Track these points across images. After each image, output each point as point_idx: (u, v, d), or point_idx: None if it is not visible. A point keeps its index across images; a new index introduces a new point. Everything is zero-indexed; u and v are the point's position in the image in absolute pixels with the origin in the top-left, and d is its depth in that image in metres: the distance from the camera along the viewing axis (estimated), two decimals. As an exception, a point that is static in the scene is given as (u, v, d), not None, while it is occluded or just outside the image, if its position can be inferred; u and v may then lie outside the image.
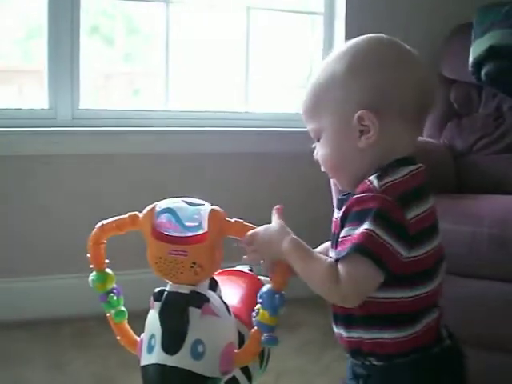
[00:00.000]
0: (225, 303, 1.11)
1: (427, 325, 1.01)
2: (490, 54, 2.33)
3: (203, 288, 1.08)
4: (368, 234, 0.91)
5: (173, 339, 1.03)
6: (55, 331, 2.27)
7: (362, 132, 0.99)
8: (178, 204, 1.08)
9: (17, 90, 2.52)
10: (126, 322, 1.18)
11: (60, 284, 2.41)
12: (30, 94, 2.52)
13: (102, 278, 1.14)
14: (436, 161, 2.34)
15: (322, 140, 1.04)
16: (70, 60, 2.43)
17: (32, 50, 2.51)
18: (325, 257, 0.99)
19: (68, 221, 2.42)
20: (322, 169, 1.09)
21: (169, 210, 1.06)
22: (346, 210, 0.97)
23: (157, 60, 2.63)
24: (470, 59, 2.41)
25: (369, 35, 1.06)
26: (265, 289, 1.04)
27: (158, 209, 1.08)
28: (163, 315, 1.04)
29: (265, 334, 1.06)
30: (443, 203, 1.95)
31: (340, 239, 0.96)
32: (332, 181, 1.32)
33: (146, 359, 1.07)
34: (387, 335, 0.99)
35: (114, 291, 1.16)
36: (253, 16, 2.75)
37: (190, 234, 1.05)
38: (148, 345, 1.07)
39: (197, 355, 1.03)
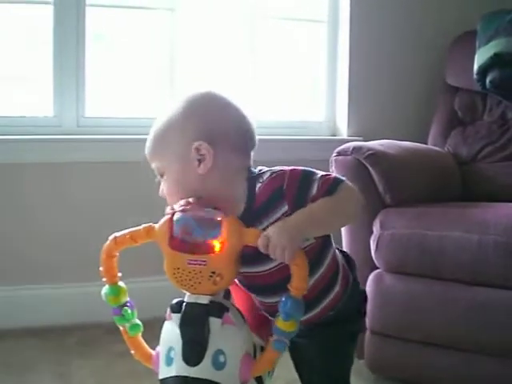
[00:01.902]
0: (240, 312, 1.11)
1: None
2: (495, 61, 2.34)
3: (219, 297, 1.08)
4: (329, 174, 1.14)
5: (194, 350, 1.03)
6: (62, 339, 2.27)
7: (199, 161, 1.14)
8: (195, 212, 1.08)
9: (22, 98, 2.53)
10: (140, 335, 1.17)
11: (67, 292, 2.41)
12: (35, 102, 2.53)
13: (115, 291, 1.13)
14: (441, 168, 2.35)
15: (166, 176, 1.17)
16: (75, 68, 2.44)
17: (37, 58, 2.52)
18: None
19: (74, 229, 2.42)
20: (169, 200, 1.17)
21: (186, 219, 1.07)
22: (291, 194, 1.11)
23: (162, 67, 2.64)
24: (475, 67, 2.42)
25: (199, 91, 1.23)
26: (284, 294, 1.04)
27: (175, 218, 1.08)
28: (184, 327, 1.04)
29: (275, 338, 1.05)
30: (449, 211, 1.95)
31: (315, 192, 1.11)
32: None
33: (165, 372, 1.06)
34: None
35: (128, 304, 1.15)
36: (257, 25, 2.76)
37: (209, 240, 1.05)
38: (167, 357, 1.06)
39: (218, 365, 1.03)
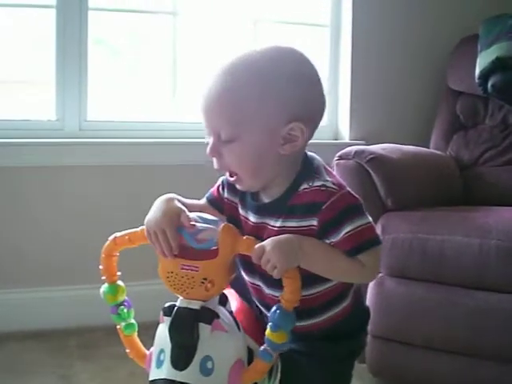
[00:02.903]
0: (234, 319, 1.11)
1: None
2: (497, 65, 2.34)
3: (213, 303, 1.08)
4: (372, 227, 1.06)
5: (182, 355, 1.03)
6: (63, 342, 2.27)
7: (285, 140, 1.05)
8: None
9: (24, 101, 2.53)
10: (135, 334, 1.18)
11: (67, 295, 2.41)
12: (38, 105, 2.53)
13: (114, 289, 1.14)
14: (443, 172, 2.35)
15: (237, 142, 1.05)
16: (77, 71, 2.45)
17: (40, 62, 2.52)
18: (341, 252, 1.05)
19: (75, 232, 2.43)
20: (228, 170, 1.10)
21: (179, 229, 1.06)
22: (325, 217, 1.04)
23: (164, 71, 2.64)
24: (477, 71, 2.42)
25: (288, 46, 1.08)
26: (275, 306, 1.04)
27: None
28: (173, 331, 1.04)
29: (262, 347, 1.05)
30: (450, 215, 1.95)
31: (345, 235, 1.03)
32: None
33: (155, 374, 1.06)
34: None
35: (125, 304, 1.16)
36: (260, 29, 2.77)
37: (203, 247, 1.05)
38: (157, 359, 1.07)
39: (206, 371, 1.03)
